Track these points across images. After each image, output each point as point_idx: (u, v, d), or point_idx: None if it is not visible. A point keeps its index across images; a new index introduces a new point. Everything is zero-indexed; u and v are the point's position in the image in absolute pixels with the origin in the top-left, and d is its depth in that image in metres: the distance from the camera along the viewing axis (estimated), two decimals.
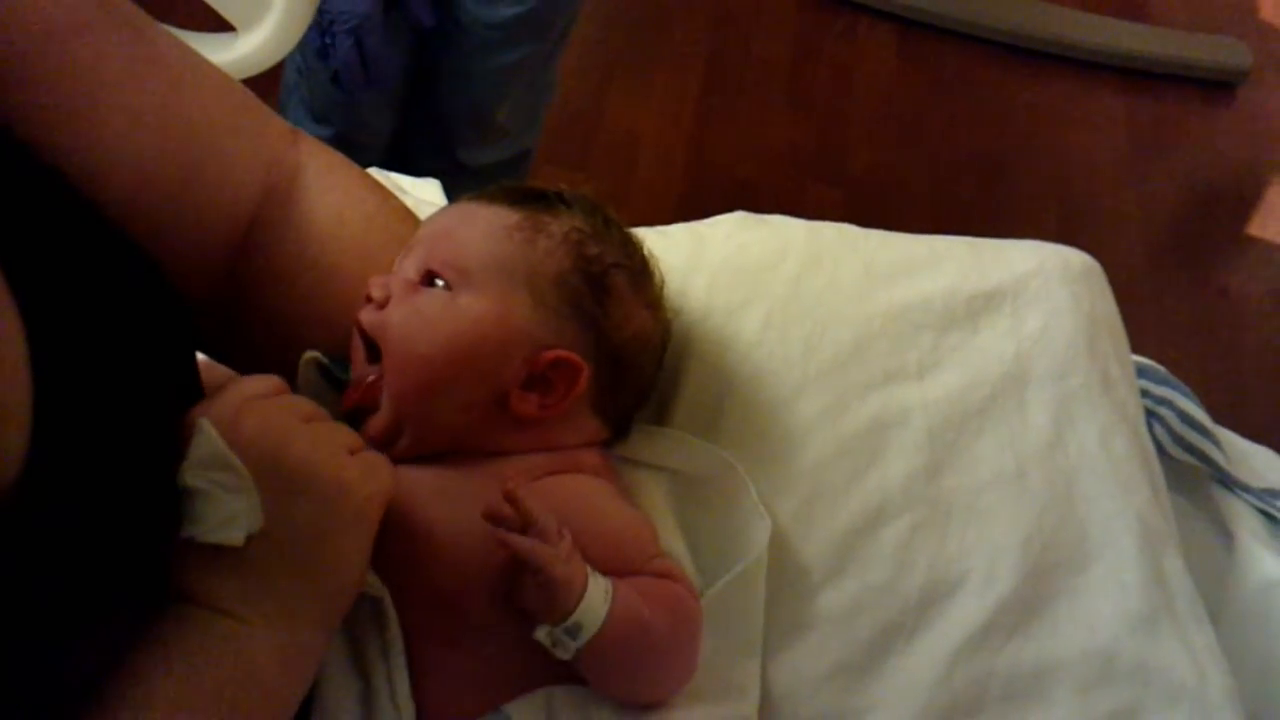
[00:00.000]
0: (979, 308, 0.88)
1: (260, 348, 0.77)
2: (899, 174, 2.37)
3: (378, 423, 0.71)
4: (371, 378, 0.72)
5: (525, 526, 0.66)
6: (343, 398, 0.72)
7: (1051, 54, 2.60)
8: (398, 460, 0.70)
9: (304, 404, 0.66)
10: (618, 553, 0.71)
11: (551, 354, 0.72)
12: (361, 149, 1.61)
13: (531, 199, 0.76)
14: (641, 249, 0.79)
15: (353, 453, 0.65)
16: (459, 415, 0.72)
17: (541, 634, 0.65)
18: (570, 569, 0.65)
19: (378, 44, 1.55)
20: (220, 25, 1.25)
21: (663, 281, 0.80)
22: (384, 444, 0.71)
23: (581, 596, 0.65)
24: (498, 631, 0.68)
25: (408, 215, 0.83)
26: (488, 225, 0.75)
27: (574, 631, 0.65)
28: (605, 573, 0.68)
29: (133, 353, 0.62)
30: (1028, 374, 0.86)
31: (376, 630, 0.68)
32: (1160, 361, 1.11)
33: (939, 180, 2.39)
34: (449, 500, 0.70)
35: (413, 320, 0.71)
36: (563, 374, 0.73)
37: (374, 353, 0.72)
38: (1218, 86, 2.62)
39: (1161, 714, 0.77)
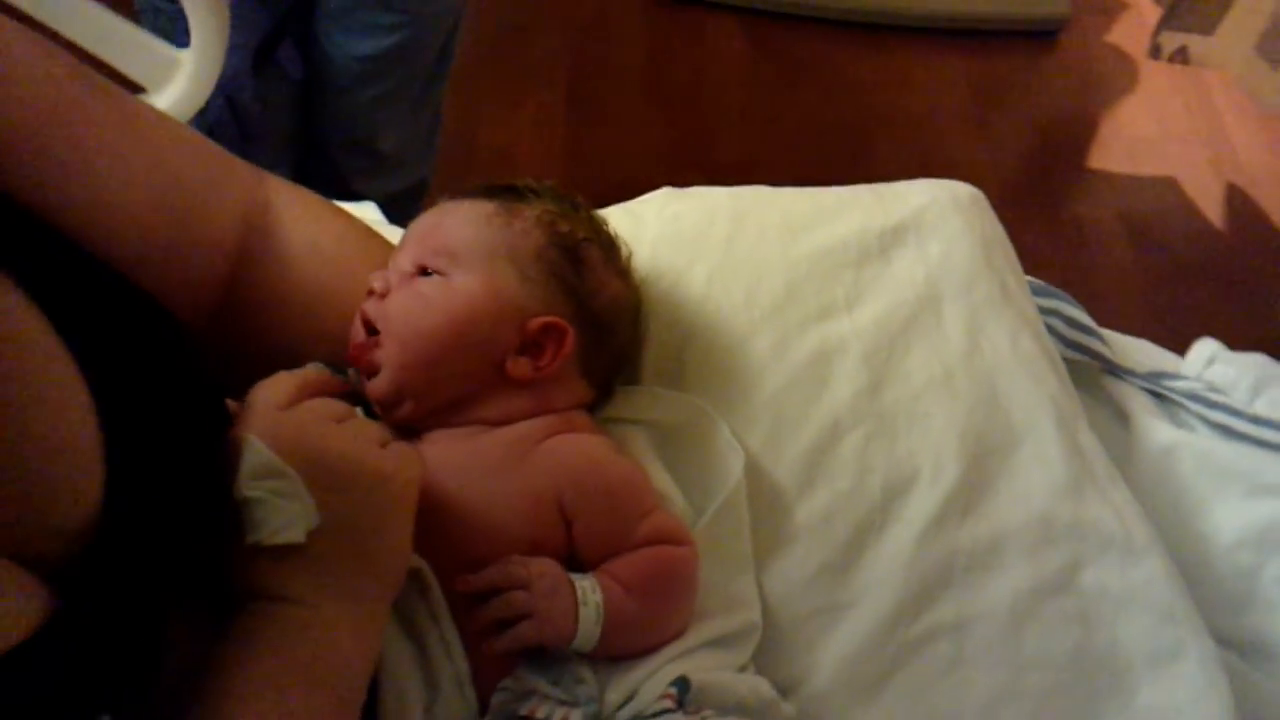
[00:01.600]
0: (888, 242, 0.99)
1: (261, 374, 0.83)
2: (766, 156, 2.49)
3: (379, 388, 0.79)
4: (374, 353, 0.80)
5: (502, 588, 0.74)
6: (347, 356, 0.80)
7: (888, 25, 2.76)
8: (402, 424, 0.78)
9: (330, 405, 0.73)
10: (619, 508, 0.80)
11: (540, 320, 0.82)
12: None
13: (502, 191, 0.85)
14: (607, 226, 0.89)
15: (383, 445, 0.72)
16: (459, 383, 0.81)
17: (552, 655, 0.75)
18: (556, 625, 0.74)
19: (249, 101, 1.59)
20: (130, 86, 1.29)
21: (630, 253, 0.90)
22: (387, 408, 0.79)
23: (574, 633, 0.74)
24: None
25: (370, 232, 0.91)
26: (468, 215, 0.84)
27: (579, 649, 0.75)
28: (607, 533, 0.78)
29: (166, 389, 0.69)
30: (939, 293, 0.97)
31: (421, 598, 0.76)
32: None
33: (805, 158, 2.52)
34: (468, 474, 0.78)
35: (413, 302, 0.80)
36: (551, 337, 0.82)
37: (369, 340, 0.81)
38: (1042, 36, 2.81)
39: (1098, 561, 0.88)
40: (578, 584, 0.75)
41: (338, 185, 1.79)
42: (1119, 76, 2.74)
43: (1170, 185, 2.54)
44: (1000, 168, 2.55)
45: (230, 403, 0.85)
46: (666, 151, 2.48)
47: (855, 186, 1.04)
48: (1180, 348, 1.21)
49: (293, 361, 0.81)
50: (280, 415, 0.70)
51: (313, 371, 0.76)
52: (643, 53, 2.66)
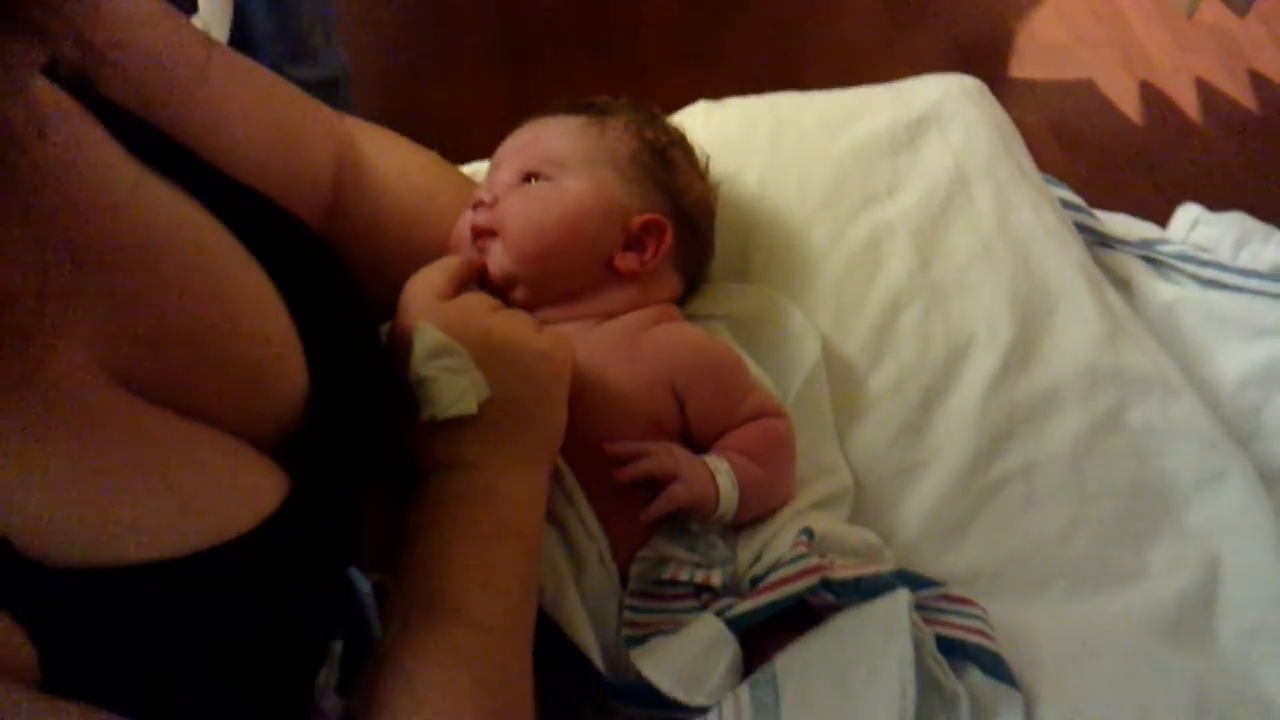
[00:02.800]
0: (915, 133, 1.06)
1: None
2: (704, 93, 2.55)
3: (496, 273, 0.85)
4: (482, 256, 0.85)
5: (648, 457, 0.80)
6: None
7: None
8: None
9: (484, 296, 0.79)
10: (725, 387, 0.87)
11: (642, 218, 0.88)
12: None
13: (588, 107, 0.91)
14: (683, 131, 0.95)
15: (537, 329, 0.78)
16: (573, 276, 0.87)
17: (695, 527, 0.81)
18: (702, 486, 0.80)
19: None
20: None
21: (707, 156, 0.96)
22: (501, 294, 0.84)
23: (718, 500, 0.80)
24: None
25: (444, 162, 0.96)
26: (563, 128, 0.90)
27: (721, 519, 0.81)
28: (716, 409, 0.85)
29: (327, 289, 0.74)
30: (967, 174, 1.05)
31: (557, 484, 0.81)
32: None
33: (738, 89, 2.57)
34: (589, 362, 0.84)
35: (529, 203, 0.86)
36: (652, 233, 0.89)
37: (484, 237, 0.86)
38: None
39: (1142, 401, 0.97)
40: (706, 458, 0.82)
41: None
42: None
43: (1087, 87, 2.66)
44: None
45: None
46: (608, 94, 2.52)
47: (872, 86, 1.11)
48: None
49: (389, 287, 0.86)
50: (443, 304, 0.76)
51: (455, 259, 0.81)
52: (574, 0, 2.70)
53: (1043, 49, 2.73)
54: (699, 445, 0.85)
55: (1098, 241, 1.25)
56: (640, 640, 0.77)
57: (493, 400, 0.73)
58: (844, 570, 0.78)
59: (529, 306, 0.85)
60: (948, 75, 1.14)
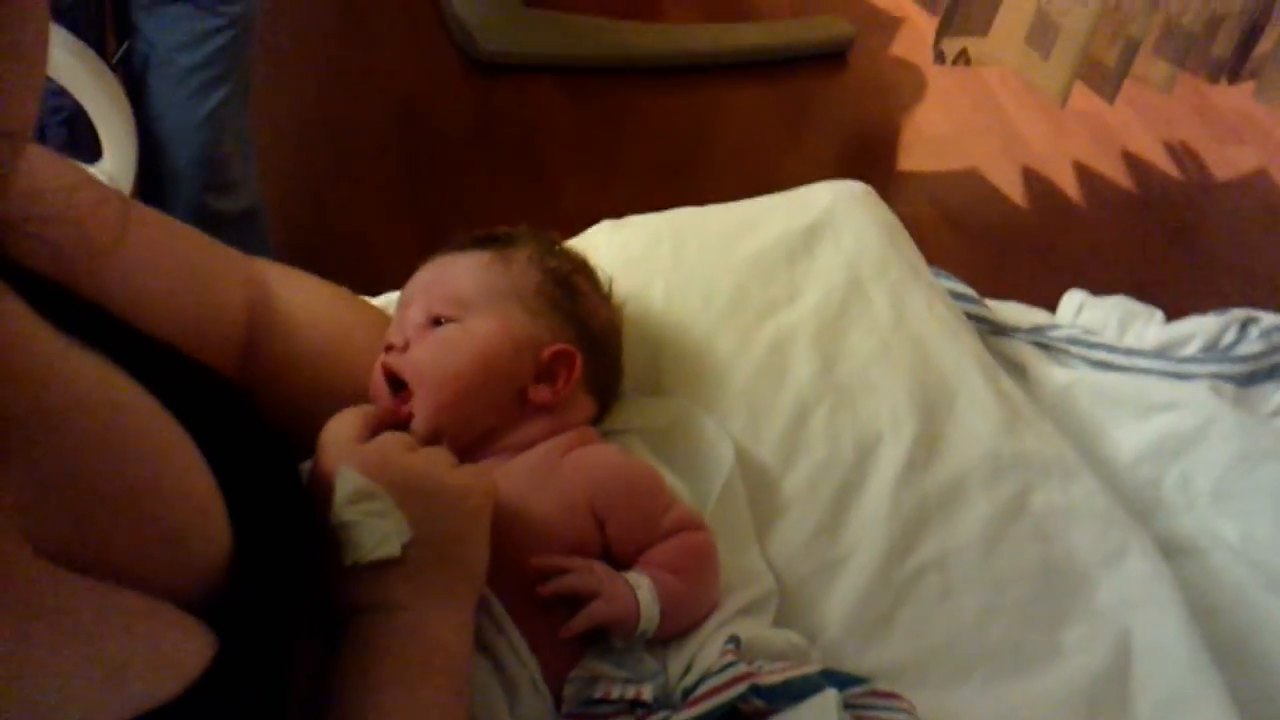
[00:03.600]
0: (809, 239, 1.11)
1: None
2: (607, 201, 2.59)
3: (418, 432, 0.86)
4: (404, 406, 0.86)
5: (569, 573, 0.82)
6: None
7: (691, 66, 2.92)
8: None
9: (402, 437, 0.80)
10: (643, 505, 0.88)
11: (551, 349, 0.91)
12: None
13: (490, 241, 0.93)
14: (585, 257, 0.98)
15: (455, 466, 0.79)
16: (489, 415, 0.89)
17: (619, 643, 0.82)
18: (623, 603, 0.81)
19: (86, 127, 1.62)
20: None
21: (609, 279, 0.99)
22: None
23: (638, 613, 0.82)
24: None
25: (355, 296, 0.98)
26: (467, 266, 0.92)
27: (644, 634, 0.83)
28: (637, 527, 0.87)
29: (243, 441, 0.74)
30: (861, 277, 1.09)
31: (485, 614, 0.82)
32: None
33: (641, 196, 2.62)
34: (508, 494, 0.85)
35: (438, 349, 0.88)
36: (563, 362, 0.91)
37: (397, 388, 0.87)
38: (833, 57, 3.02)
39: (1042, 485, 1.01)
40: (628, 574, 0.83)
41: (191, 202, 1.80)
42: (909, 84, 2.97)
43: (973, 175, 2.77)
44: (819, 177, 2.73)
45: None
46: (514, 211, 2.55)
47: (765, 196, 1.16)
48: None
49: (306, 424, 0.86)
50: (360, 447, 0.77)
51: (371, 407, 0.83)
52: (471, 120, 2.75)
53: (928, 141, 2.85)
54: (621, 563, 0.87)
55: (991, 330, 1.30)
56: None
57: (416, 541, 0.73)
58: (772, 675, 0.79)
59: (450, 448, 0.86)
60: (836, 182, 1.19)
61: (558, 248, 0.98)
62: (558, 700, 0.81)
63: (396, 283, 1.01)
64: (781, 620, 0.93)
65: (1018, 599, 0.96)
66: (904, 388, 1.03)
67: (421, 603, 0.73)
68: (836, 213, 1.14)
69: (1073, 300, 1.36)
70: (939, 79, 2.96)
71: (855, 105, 2.95)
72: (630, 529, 0.87)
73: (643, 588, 0.82)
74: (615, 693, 0.80)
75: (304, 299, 0.92)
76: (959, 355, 1.07)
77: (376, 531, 0.72)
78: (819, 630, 0.94)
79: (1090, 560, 0.99)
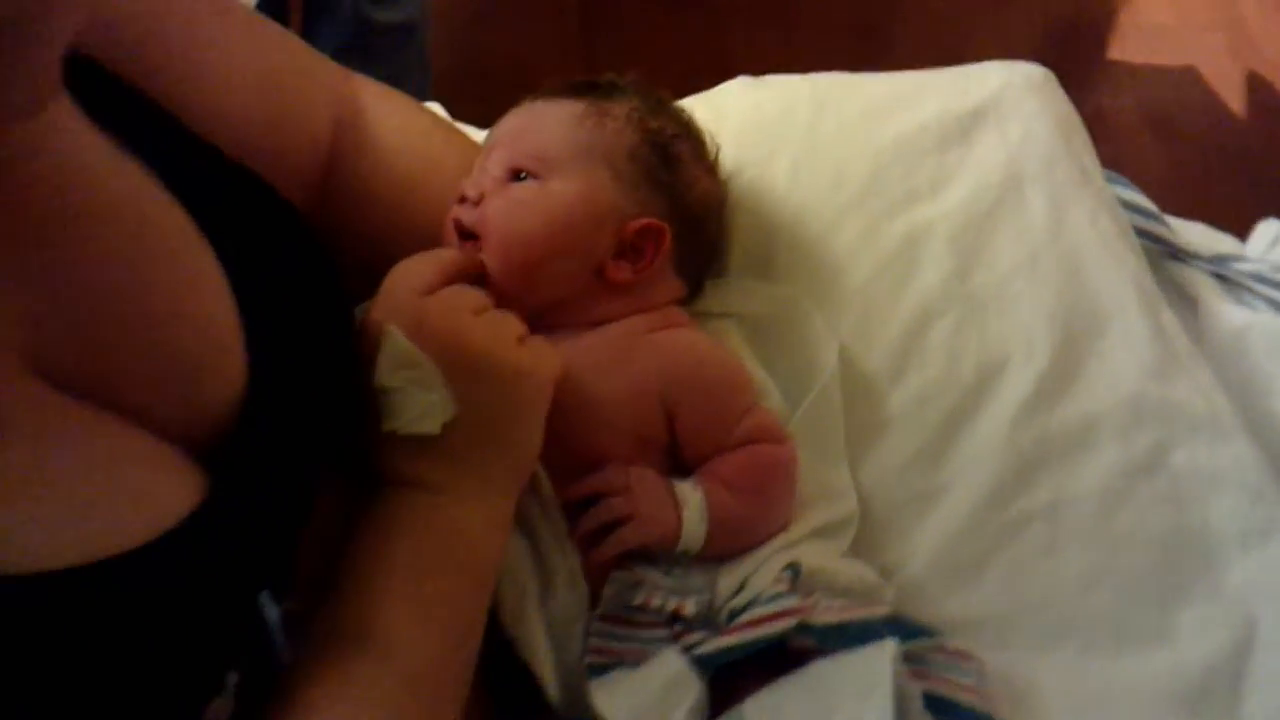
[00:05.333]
0: (968, 125, 0.98)
1: (351, 266, 0.82)
2: (783, 58, 2.44)
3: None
4: (470, 250, 0.78)
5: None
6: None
7: None
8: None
9: (471, 294, 0.72)
10: (720, 406, 0.80)
11: (637, 223, 0.81)
12: None
13: (589, 89, 0.84)
14: (693, 119, 0.87)
15: (521, 340, 0.72)
16: (559, 287, 0.80)
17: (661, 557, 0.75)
18: (660, 526, 0.74)
19: None
20: None
21: (717, 146, 0.88)
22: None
23: (678, 535, 0.74)
24: None
25: (453, 127, 0.90)
26: (558, 117, 0.82)
27: (686, 552, 0.75)
28: (707, 428, 0.78)
29: (293, 275, 0.68)
30: (1021, 175, 0.96)
31: (534, 496, 0.76)
32: None
33: (822, 58, 2.46)
34: (574, 373, 0.77)
35: (511, 208, 0.79)
36: (649, 239, 0.81)
37: (468, 240, 0.79)
38: None
39: (1187, 442, 0.88)
40: (678, 488, 0.75)
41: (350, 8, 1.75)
42: None
43: (1190, 74, 2.51)
44: (1017, 58, 2.52)
45: None
46: (682, 55, 2.44)
47: (930, 70, 1.03)
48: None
49: (380, 256, 0.80)
50: (421, 302, 0.70)
51: (451, 253, 0.75)
52: None
53: (1145, 31, 2.59)
54: (688, 464, 0.79)
55: (1167, 253, 1.16)
56: (604, 669, 0.71)
57: (459, 420, 0.67)
58: (827, 614, 0.71)
59: (518, 312, 0.78)
60: (1013, 63, 1.05)
61: (663, 105, 0.87)
62: (595, 597, 0.75)
63: None
64: (861, 549, 0.84)
65: (1134, 566, 0.85)
66: (1046, 308, 0.91)
67: (454, 487, 0.67)
68: (1006, 98, 1.00)
69: (1268, 230, 1.19)
70: None
71: None
72: (700, 429, 0.78)
73: (690, 505, 0.74)
74: (656, 601, 0.73)
75: (397, 123, 0.85)
76: (1119, 279, 0.94)
77: (417, 403, 0.66)
78: (901, 565, 0.84)
79: (1227, 535, 0.86)
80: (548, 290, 0.80)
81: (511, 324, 0.72)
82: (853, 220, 0.92)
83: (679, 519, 0.74)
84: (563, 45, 2.45)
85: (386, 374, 0.66)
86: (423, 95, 1.87)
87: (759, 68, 2.41)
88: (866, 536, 0.85)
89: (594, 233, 0.80)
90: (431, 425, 0.66)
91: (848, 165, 0.94)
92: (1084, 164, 1.00)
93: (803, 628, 0.70)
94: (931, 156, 0.95)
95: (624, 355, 0.79)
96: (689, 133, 0.87)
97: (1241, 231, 1.22)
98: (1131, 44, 2.56)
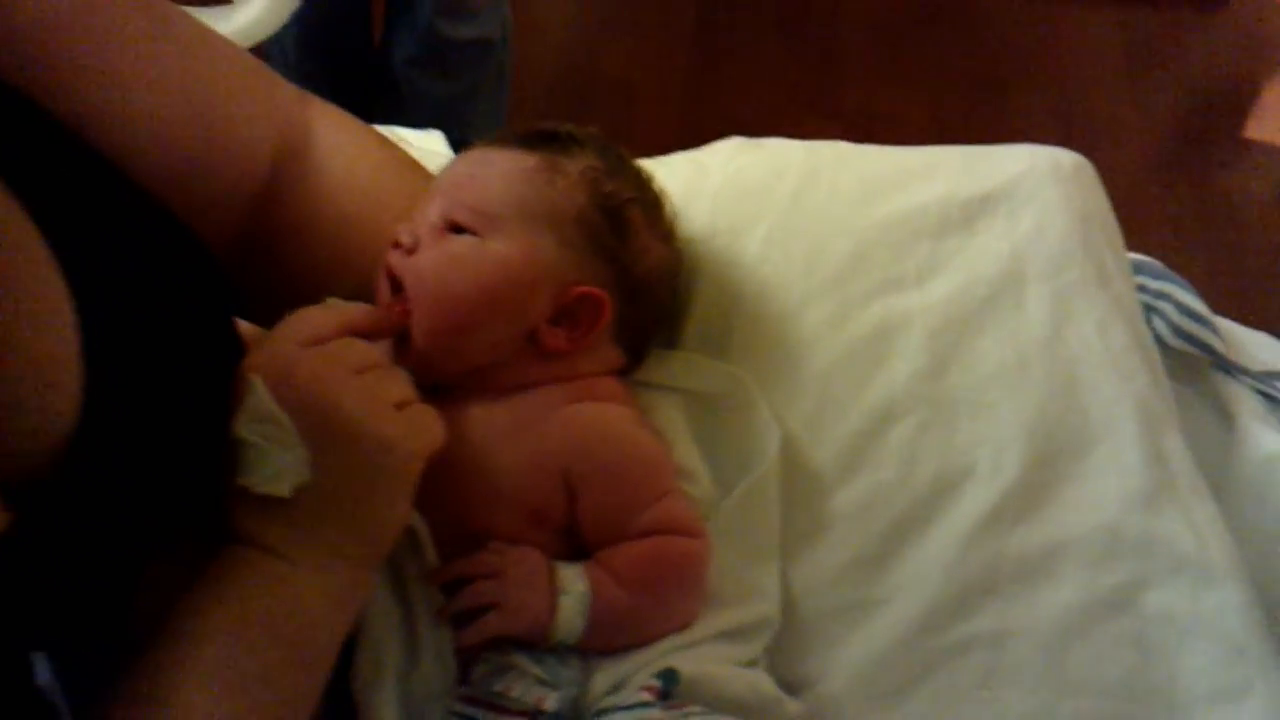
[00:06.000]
0: (974, 211, 0.91)
1: (281, 302, 0.80)
2: (896, 104, 2.38)
3: (406, 356, 0.74)
4: (399, 307, 0.75)
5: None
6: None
7: None
8: (441, 400, 0.73)
9: (357, 351, 0.68)
10: (628, 489, 0.75)
11: (578, 290, 0.76)
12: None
13: (545, 140, 0.79)
14: (652, 182, 0.83)
15: (401, 406, 0.67)
16: (487, 352, 0.76)
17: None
18: (530, 616, 0.70)
19: None
20: None
21: (675, 214, 0.84)
22: (411, 372, 0.73)
23: (550, 626, 0.70)
24: None
25: (414, 164, 0.86)
26: (506, 170, 0.78)
27: (563, 644, 0.71)
28: (611, 511, 0.73)
29: (173, 309, 0.66)
30: (1024, 272, 0.89)
31: (414, 559, 0.72)
32: (1167, 264, 1.13)
33: (936, 107, 2.40)
34: (479, 438, 0.74)
35: (445, 264, 0.75)
36: (588, 308, 0.77)
37: (399, 292, 0.76)
38: None
39: (1165, 583, 0.80)
40: (561, 572, 0.71)
41: (422, 24, 1.75)
42: None
43: None
44: (1149, 131, 2.40)
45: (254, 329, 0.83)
46: (790, 93, 2.39)
47: (947, 148, 0.96)
48: None
49: (310, 292, 0.77)
50: (298, 354, 0.66)
51: (354, 309, 0.72)
52: None
53: None
54: (588, 548, 0.74)
55: (1215, 363, 1.07)
56: None
57: (313, 487, 0.63)
58: None
59: (438, 381, 0.75)
60: (1044, 148, 0.97)
61: (622, 164, 0.82)
62: (465, 674, 0.71)
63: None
64: (780, 657, 0.78)
65: (1080, 714, 0.77)
66: (1025, 420, 0.84)
67: (299, 556, 0.64)
68: (1024, 185, 0.93)
69: None
70: None
71: (1219, 53, 2.55)
72: (602, 512, 0.74)
73: (570, 594, 0.70)
74: (516, 692, 0.68)
75: (348, 156, 0.82)
76: (1118, 396, 0.86)
77: (271, 462, 0.63)
78: (820, 679, 0.78)
79: (1196, 692, 0.78)
80: (474, 354, 0.76)
81: (394, 387, 0.68)
82: (823, 302, 0.86)
83: (553, 609, 0.69)
84: (673, 71, 2.42)
85: (244, 426, 0.63)
86: (498, 112, 1.87)
87: (867, 115, 2.35)
88: (788, 644, 0.79)
89: (530, 297, 0.76)
90: (282, 487, 0.63)
91: (829, 242, 0.88)
92: (1104, 263, 0.92)
93: None
94: (925, 242, 0.89)
95: (532, 426, 0.75)
96: (644, 197, 0.82)
97: None
98: (1272, 123, 2.41)
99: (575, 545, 0.75)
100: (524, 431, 0.74)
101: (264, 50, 1.77)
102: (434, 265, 0.75)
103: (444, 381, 0.76)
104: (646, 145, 0.95)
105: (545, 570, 0.71)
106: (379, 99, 1.80)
